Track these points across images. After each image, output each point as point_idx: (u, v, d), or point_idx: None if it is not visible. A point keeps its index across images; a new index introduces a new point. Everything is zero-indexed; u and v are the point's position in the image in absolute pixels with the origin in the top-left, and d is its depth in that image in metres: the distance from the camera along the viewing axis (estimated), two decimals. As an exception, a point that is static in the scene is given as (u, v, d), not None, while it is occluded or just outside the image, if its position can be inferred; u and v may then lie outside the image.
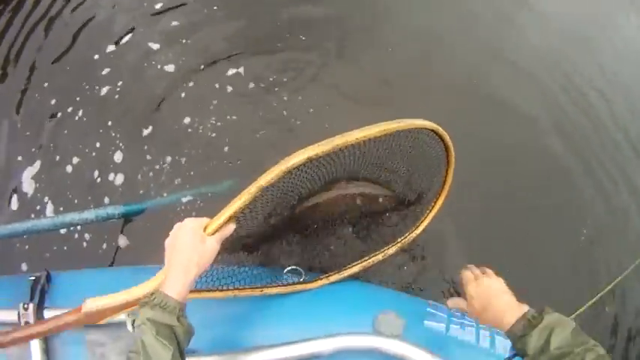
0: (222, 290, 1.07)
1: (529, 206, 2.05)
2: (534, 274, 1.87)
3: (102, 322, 0.86)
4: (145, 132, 2.14)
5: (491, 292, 0.95)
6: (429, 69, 2.39)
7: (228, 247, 1.07)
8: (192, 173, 2.01)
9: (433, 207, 1.40)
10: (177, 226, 0.85)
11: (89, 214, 1.41)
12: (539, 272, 1.91)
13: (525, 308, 0.89)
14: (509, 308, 0.89)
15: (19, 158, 2.08)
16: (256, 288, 1.14)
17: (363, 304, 1.27)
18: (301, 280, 1.23)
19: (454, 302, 1.07)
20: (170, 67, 2.30)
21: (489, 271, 1.03)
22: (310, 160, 0.90)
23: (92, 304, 0.81)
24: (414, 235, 1.43)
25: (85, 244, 1.90)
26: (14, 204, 1.98)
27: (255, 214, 1.01)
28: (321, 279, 1.30)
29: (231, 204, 0.88)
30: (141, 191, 1.99)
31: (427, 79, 2.34)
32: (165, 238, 0.85)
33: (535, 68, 2.47)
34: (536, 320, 0.83)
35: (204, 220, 0.87)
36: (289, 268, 1.25)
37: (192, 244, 0.81)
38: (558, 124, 2.32)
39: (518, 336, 0.84)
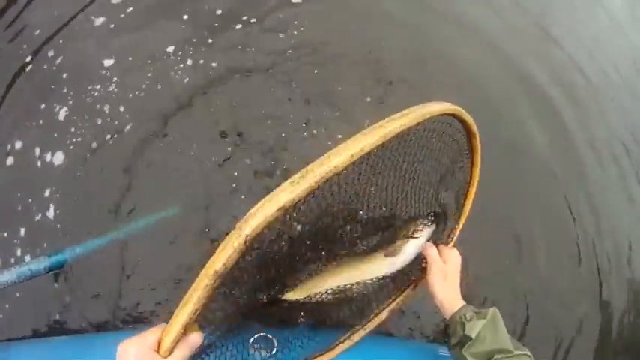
0: None
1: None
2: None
3: None
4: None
5: (456, 266, 0.93)
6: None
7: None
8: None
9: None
10: (117, 355, 0.61)
11: (9, 276, 1.13)
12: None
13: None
14: (458, 292, 0.92)
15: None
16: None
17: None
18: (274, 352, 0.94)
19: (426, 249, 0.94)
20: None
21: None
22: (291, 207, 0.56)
23: None
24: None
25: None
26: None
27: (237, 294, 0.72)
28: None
29: (183, 305, 0.58)
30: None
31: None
32: None
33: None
34: (482, 314, 0.86)
35: (152, 334, 0.61)
36: (257, 336, 0.96)
37: None
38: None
39: (462, 321, 0.85)
